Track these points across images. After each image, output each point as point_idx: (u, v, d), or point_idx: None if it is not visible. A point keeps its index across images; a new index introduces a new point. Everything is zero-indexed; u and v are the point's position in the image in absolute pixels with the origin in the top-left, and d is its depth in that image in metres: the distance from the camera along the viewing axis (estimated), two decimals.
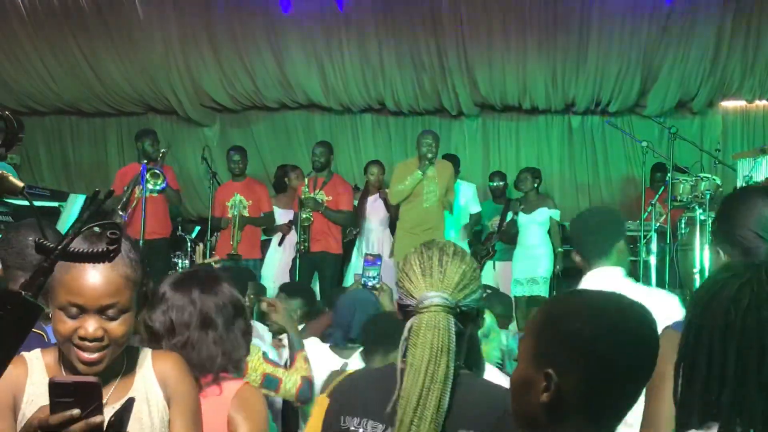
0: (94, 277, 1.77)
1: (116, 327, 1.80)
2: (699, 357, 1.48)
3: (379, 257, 4.81)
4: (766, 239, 2.08)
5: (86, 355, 1.76)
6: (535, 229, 7.97)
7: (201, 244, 8.05)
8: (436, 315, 1.88)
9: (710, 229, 2.39)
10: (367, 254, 5.71)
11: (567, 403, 1.43)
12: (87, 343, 1.76)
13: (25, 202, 1.48)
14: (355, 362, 3.67)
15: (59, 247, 1.31)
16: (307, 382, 3.37)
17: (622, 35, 8.97)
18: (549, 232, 8.08)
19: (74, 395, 1.46)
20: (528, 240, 8.00)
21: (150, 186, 7.62)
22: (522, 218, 8.06)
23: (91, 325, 1.76)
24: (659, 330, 1.51)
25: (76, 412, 1.44)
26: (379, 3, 9.33)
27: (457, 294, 1.91)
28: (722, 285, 1.56)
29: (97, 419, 1.46)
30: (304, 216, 7.72)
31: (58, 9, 9.74)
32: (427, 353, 1.85)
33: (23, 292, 1.21)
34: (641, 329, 1.41)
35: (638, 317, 1.44)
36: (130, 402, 1.57)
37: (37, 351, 1.87)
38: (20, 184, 1.32)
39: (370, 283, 4.33)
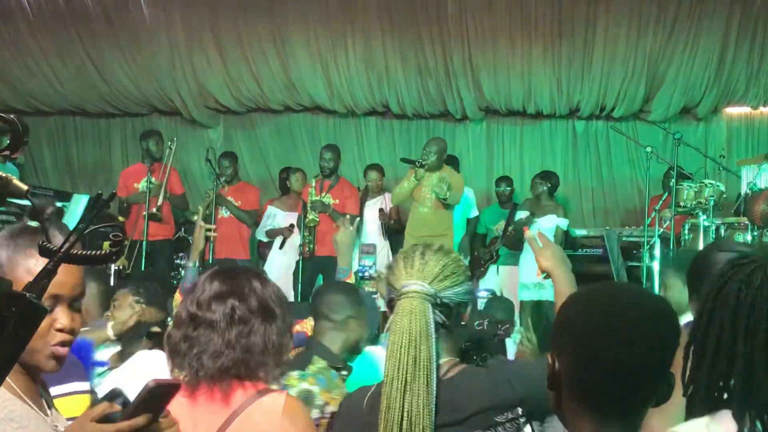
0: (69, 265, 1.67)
1: (79, 320, 1.72)
2: (709, 338, 1.49)
3: (373, 246, 4.88)
4: None
5: (61, 350, 1.67)
6: (541, 233, 7.92)
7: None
8: (412, 300, 1.92)
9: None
10: (362, 245, 5.77)
11: (564, 387, 1.45)
12: (63, 336, 1.66)
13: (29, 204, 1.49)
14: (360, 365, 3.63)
15: (62, 249, 1.32)
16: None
17: (628, 41, 8.97)
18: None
19: (161, 397, 1.52)
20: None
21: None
22: None
23: (66, 317, 1.67)
24: None
25: (149, 417, 1.51)
26: (385, 6, 9.33)
27: (436, 284, 1.96)
28: (736, 269, 1.58)
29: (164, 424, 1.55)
30: (310, 217, 7.72)
31: (63, 10, 9.76)
32: (405, 338, 1.87)
33: (28, 294, 1.21)
34: (629, 320, 1.39)
35: (632, 309, 1.42)
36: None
37: None
38: (25, 186, 1.32)
39: (367, 273, 4.36)
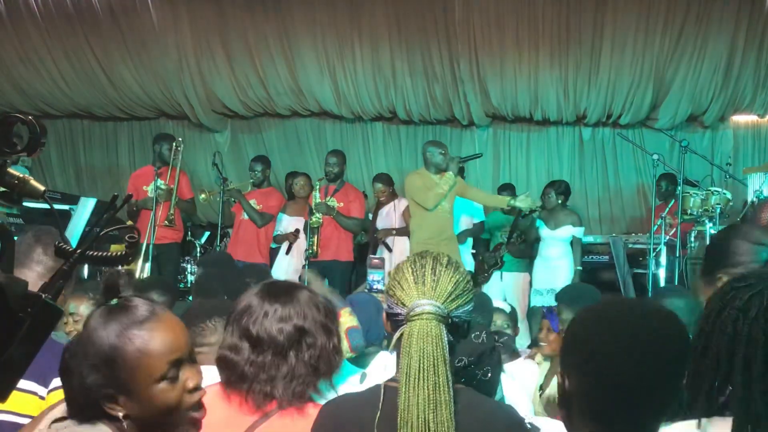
0: (172, 321, 1.63)
1: (200, 372, 1.67)
2: (705, 363, 1.50)
3: (382, 260, 4.86)
4: None
5: (200, 414, 1.64)
6: (556, 243, 7.91)
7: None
8: (428, 323, 1.83)
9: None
10: (372, 258, 5.72)
11: (575, 404, 1.46)
12: (197, 395, 1.62)
13: (37, 205, 1.50)
14: (374, 370, 3.63)
15: (78, 250, 1.33)
16: (355, 331, 3.30)
17: (635, 48, 8.96)
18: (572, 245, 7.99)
19: None
20: (548, 252, 7.91)
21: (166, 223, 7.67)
22: (545, 233, 7.95)
23: (195, 374, 1.62)
24: None
25: None
26: (392, 11, 9.35)
27: (449, 304, 1.89)
28: (733, 294, 1.59)
29: None
30: (314, 218, 7.73)
31: (72, 13, 9.79)
32: (425, 362, 1.79)
33: (44, 295, 1.22)
34: (638, 338, 1.40)
35: (640, 326, 1.42)
36: None
37: None
38: (41, 188, 1.34)
39: (375, 286, 4.34)
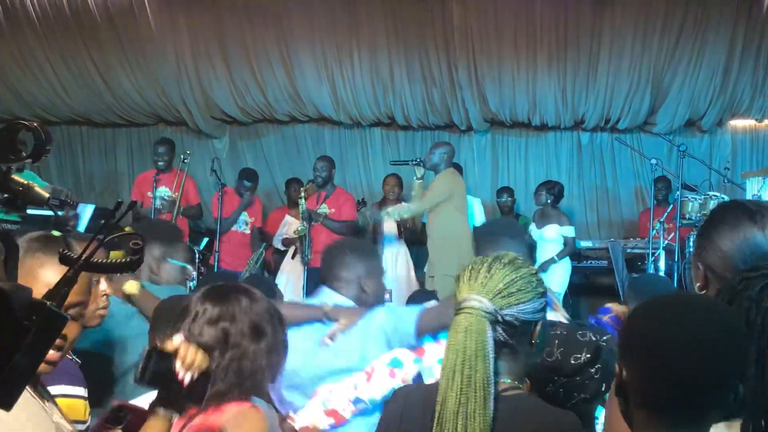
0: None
1: None
2: None
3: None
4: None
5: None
6: (546, 245, 7.92)
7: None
8: (469, 317, 1.82)
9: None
10: None
11: (632, 396, 1.48)
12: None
13: (38, 212, 1.50)
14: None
15: (82, 257, 1.33)
16: None
17: (633, 53, 8.98)
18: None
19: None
20: (541, 256, 7.95)
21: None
22: (534, 233, 8.03)
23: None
24: None
25: None
26: (391, 17, 9.36)
27: (498, 301, 1.85)
28: (746, 284, 1.58)
29: None
30: (300, 228, 7.73)
31: (71, 20, 9.78)
32: (460, 356, 1.79)
33: (48, 303, 1.22)
34: (699, 334, 1.40)
35: (701, 322, 1.42)
36: None
37: None
38: (46, 195, 1.33)
39: None
